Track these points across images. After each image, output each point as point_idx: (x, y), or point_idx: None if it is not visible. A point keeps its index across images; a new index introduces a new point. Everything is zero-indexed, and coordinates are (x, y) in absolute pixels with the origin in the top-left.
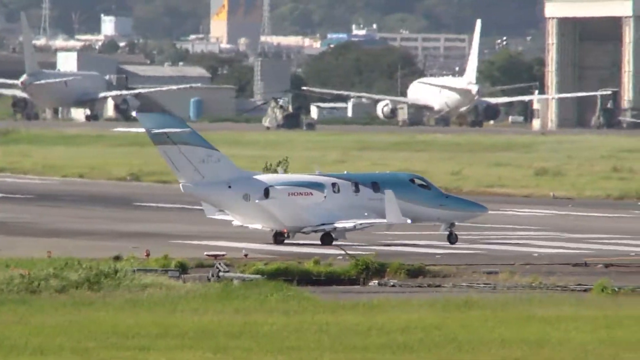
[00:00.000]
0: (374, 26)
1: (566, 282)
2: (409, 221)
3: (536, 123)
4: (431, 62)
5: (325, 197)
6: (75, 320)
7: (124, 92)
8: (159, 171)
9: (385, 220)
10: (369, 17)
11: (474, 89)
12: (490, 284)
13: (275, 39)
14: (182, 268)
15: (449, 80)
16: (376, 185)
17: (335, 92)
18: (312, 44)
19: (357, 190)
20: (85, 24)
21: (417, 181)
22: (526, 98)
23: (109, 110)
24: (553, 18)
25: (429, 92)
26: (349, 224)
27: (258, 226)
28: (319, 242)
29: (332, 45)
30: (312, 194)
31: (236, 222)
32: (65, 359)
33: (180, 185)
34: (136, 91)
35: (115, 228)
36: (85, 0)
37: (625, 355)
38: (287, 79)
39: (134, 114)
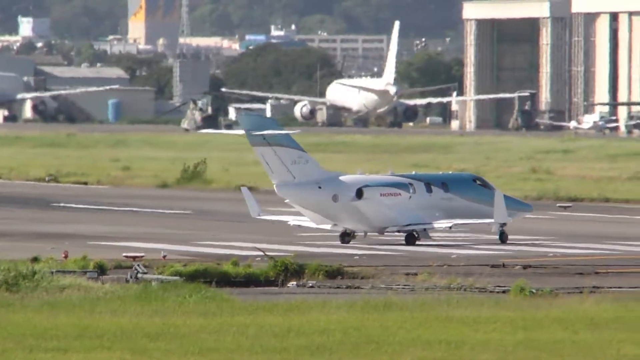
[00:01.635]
0: (293, 27)
1: (484, 283)
2: (511, 220)
3: (455, 124)
4: (350, 63)
5: (410, 197)
6: None
7: (42, 93)
8: (77, 172)
9: (493, 220)
10: (288, 19)
11: (393, 90)
12: (409, 286)
13: (194, 40)
14: (101, 269)
15: (367, 82)
16: (445, 185)
17: (253, 93)
18: (231, 45)
19: (429, 190)
20: (2, 25)
21: (478, 181)
22: (445, 99)
23: (27, 111)
24: (471, 19)
25: (348, 93)
26: (445, 224)
27: (327, 226)
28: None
29: (250, 47)
30: (400, 194)
31: (294, 222)
32: None
33: (274, 186)
34: (55, 93)
35: (33, 229)
36: (2, 1)
37: (542, 356)
38: (205, 80)
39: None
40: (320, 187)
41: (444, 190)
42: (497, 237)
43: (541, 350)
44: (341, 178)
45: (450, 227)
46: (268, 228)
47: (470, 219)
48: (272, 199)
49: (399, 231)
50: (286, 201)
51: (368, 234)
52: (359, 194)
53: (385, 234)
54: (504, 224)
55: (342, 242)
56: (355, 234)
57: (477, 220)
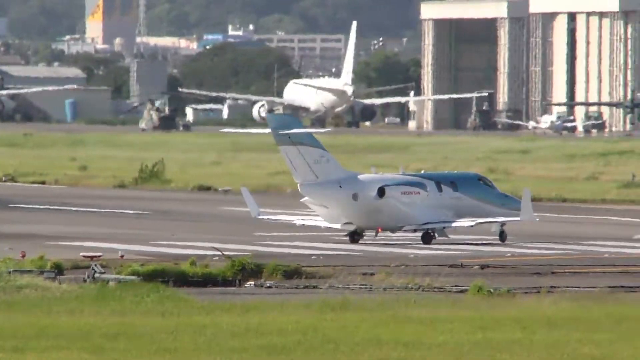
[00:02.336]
0: (251, 27)
1: (442, 283)
2: (537, 219)
3: (412, 124)
4: (307, 63)
5: (427, 195)
6: None
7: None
8: (34, 172)
9: (518, 218)
10: (246, 18)
11: (350, 89)
12: (367, 285)
13: (151, 40)
14: (58, 269)
15: (325, 81)
16: (454, 184)
17: (211, 93)
18: (189, 45)
19: (440, 189)
20: None
21: (482, 181)
22: (402, 99)
23: None
24: (429, 19)
25: (305, 93)
26: (467, 222)
27: (338, 225)
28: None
29: (208, 47)
30: (419, 193)
31: (300, 221)
32: None
33: (298, 185)
34: (12, 92)
35: None
36: None
37: (500, 356)
38: (163, 80)
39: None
40: (341, 187)
41: (452, 189)
42: (497, 236)
43: (499, 350)
44: (360, 177)
45: (472, 226)
46: (226, 228)
47: (484, 218)
48: (227, 199)
49: (415, 230)
50: (303, 200)
51: (379, 233)
52: (381, 192)
53: (397, 233)
54: (504, 224)
55: (352, 241)
56: (365, 233)
57: (500, 219)
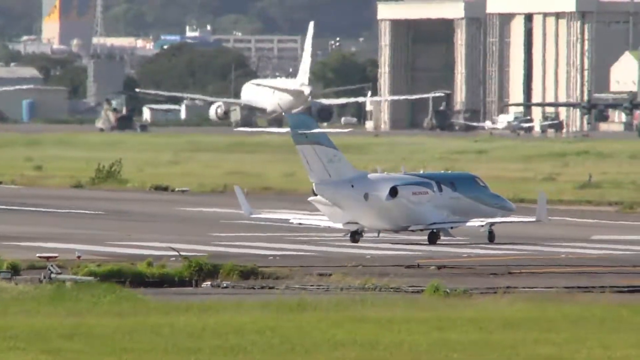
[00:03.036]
0: (208, 27)
1: (399, 283)
2: (548, 220)
3: (369, 124)
4: (264, 63)
5: (434, 195)
6: None
7: None
8: None
9: (533, 219)
10: (203, 19)
11: (307, 90)
12: (323, 286)
13: (108, 40)
14: (14, 270)
15: (282, 82)
16: (453, 184)
17: (168, 93)
18: (146, 46)
19: (440, 189)
20: None
21: (477, 181)
22: (359, 99)
23: None
24: (386, 20)
25: (262, 93)
26: (478, 222)
27: (339, 225)
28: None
29: (165, 47)
30: (427, 193)
31: (297, 220)
32: None
33: (314, 185)
34: None
35: None
36: None
37: (456, 356)
38: (120, 80)
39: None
40: (352, 186)
41: (452, 189)
42: (486, 236)
43: (455, 350)
44: (369, 176)
45: (482, 226)
46: (183, 228)
47: (491, 218)
48: (184, 200)
49: (422, 230)
50: (310, 199)
51: (381, 232)
52: (394, 192)
53: (401, 232)
54: (493, 224)
55: (353, 241)
56: (364, 232)
57: (514, 219)
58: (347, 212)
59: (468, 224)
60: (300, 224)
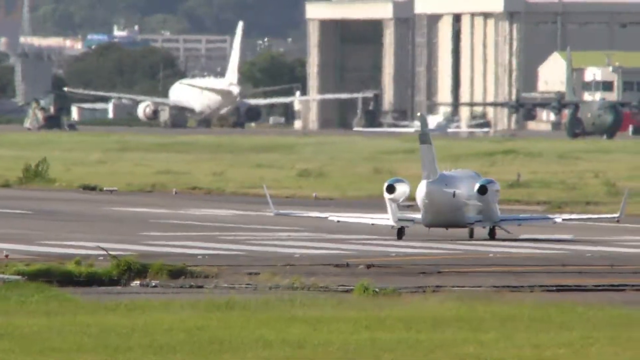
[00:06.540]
0: (136, 27)
1: (328, 283)
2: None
3: (297, 124)
4: (193, 63)
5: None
6: None
7: None
8: None
9: (616, 215)
10: (131, 18)
11: (235, 90)
12: (252, 285)
13: (36, 40)
14: None
15: (210, 82)
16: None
17: (96, 93)
18: (74, 45)
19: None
20: None
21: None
22: (288, 99)
23: None
24: (314, 20)
25: (191, 93)
26: (557, 219)
27: (391, 222)
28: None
29: (93, 47)
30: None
31: (332, 218)
32: None
33: (426, 183)
34: None
35: None
36: None
37: (385, 356)
38: (48, 79)
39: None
40: (446, 184)
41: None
42: (487, 233)
43: (384, 350)
44: (446, 174)
45: (554, 222)
46: (111, 227)
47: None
48: (112, 199)
49: (484, 227)
50: (390, 197)
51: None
52: (483, 190)
53: (446, 230)
54: (496, 222)
55: (399, 238)
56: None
57: (598, 215)
58: (430, 211)
59: (557, 219)
60: (338, 221)
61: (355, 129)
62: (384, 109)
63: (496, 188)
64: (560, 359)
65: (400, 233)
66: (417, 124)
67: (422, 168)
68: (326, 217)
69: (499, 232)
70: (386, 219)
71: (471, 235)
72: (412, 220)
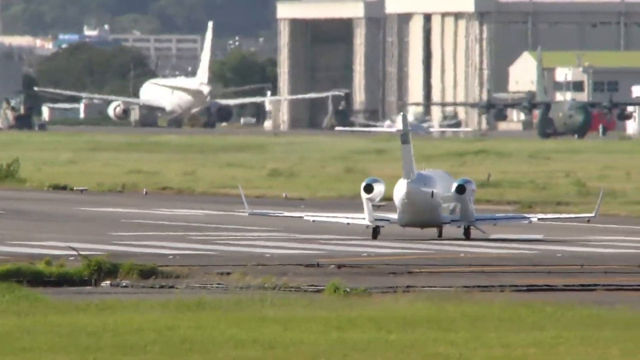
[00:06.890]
0: (106, 27)
1: (298, 283)
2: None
3: (268, 124)
4: (163, 62)
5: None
6: None
7: None
8: None
9: (592, 215)
10: (101, 18)
11: (206, 90)
12: (223, 285)
13: (6, 39)
14: None
15: (181, 81)
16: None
17: (67, 92)
18: (44, 45)
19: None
20: None
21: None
22: (258, 99)
23: None
24: (285, 19)
25: (161, 93)
26: (534, 218)
27: (367, 222)
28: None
29: (64, 46)
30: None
31: (308, 217)
32: None
33: (406, 183)
34: None
35: None
36: None
37: (355, 356)
38: (18, 79)
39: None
40: (425, 184)
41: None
42: (462, 233)
43: (354, 350)
44: (423, 173)
45: (530, 222)
46: (82, 227)
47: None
48: (83, 199)
49: (459, 227)
50: (367, 197)
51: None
52: (461, 190)
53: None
54: (472, 222)
55: (374, 238)
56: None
57: (572, 215)
58: (408, 210)
59: (533, 219)
60: (313, 221)
61: (338, 128)
62: (355, 108)
63: (473, 188)
64: (530, 359)
65: (375, 233)
66: (387, 124)
67: (403, 167)
68: (301, 217)
69: (473, 232)
70: (362, 219)
71: (440, 235)
72: (387, 220)
